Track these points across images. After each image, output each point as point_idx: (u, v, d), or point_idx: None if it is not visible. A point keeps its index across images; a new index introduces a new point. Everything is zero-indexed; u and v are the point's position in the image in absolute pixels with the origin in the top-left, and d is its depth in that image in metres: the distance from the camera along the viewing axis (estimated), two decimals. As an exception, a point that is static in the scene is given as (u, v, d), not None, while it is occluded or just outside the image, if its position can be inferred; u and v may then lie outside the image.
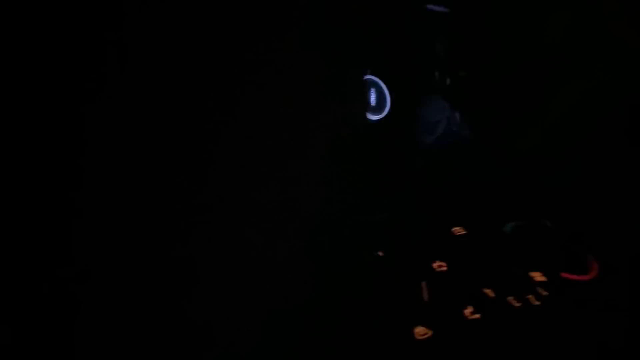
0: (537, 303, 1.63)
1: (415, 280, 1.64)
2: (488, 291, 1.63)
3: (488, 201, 1.64)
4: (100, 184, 1.23)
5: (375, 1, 1.53)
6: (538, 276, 1.63)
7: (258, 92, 1.37)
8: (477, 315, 1.63)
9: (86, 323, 1.24)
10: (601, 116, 1.54)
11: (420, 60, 1.59)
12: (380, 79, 1.58)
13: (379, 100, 1.59)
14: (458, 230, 1.65)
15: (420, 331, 1.62)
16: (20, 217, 1.21)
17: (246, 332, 1.33)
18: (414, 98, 1.61)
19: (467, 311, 1.63)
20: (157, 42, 1.25)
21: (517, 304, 1.63)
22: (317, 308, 1.47)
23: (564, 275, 1.63)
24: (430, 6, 1.55)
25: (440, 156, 1.62)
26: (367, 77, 1.59)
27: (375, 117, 1.59)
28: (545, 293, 1.63)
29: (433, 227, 1.64)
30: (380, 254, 1.63)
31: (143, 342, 1.26)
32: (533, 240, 1.64)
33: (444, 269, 1.64)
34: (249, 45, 1.36)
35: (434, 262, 1.64)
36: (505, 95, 1.58)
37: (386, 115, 1.59)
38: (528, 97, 1.56)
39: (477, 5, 1.54)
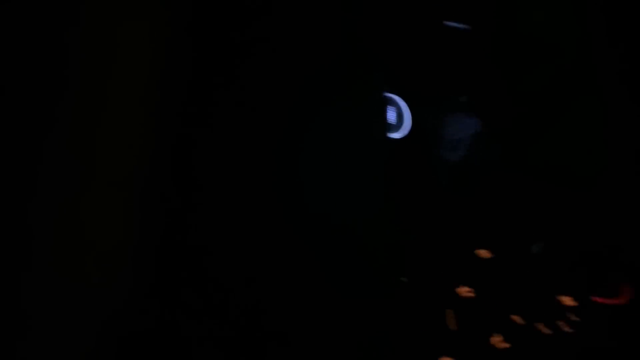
0: (568, 329, 1.55)
1: (441, 307, 1.56)
2: (517, 318, 1.56)
3: (514, 221, 1.59)
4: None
5: (393, 15, 1.52)
6: (568, 300, 1.56)
7: (267, 102, 1.33)
8: (506, 344, 1.55)
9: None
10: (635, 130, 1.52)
11: (441, 77, 1.57)
12: (400, 96, 1.55)
13: (398, 119, 1.56)
14: (483, 252, 1.58)
15: (447, 361, 1.53)
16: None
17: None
18: (436, 116, 1.58)
19: (496, 339, 1.55)
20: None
21: (547, 331, 1.55)
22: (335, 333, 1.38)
23: (595, 299, 1.56)
24: (449, 23, 1.54)
25: (464, 175, 1.58)
26: (387, 94, 1.56)
27: (395, 136, 1.56)
28: (576, 318, 1.55)
29: (457, 249, 1.58)
30: (404, 279, 1.55)
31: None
32: (561, 262, 1.58)
33: (471, 294, 1.56)
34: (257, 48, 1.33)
35: (460, 287, 1.57)
36: (533, 110, 1.56)
37: (407, 134, 1.56)
38: (557, 111, 1.55)
39: (499, 22, 1.54)
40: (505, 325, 1.56)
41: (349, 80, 1.39)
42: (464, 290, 1.56)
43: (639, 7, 1.48)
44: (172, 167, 1.16)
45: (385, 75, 1.54)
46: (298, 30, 1.29)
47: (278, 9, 1.29)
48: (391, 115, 1.57)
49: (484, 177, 1.58)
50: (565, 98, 1.54)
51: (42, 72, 1.09)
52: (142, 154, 1.11)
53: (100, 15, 1.11)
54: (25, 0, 1.09)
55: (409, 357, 1.54)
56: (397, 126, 1.57)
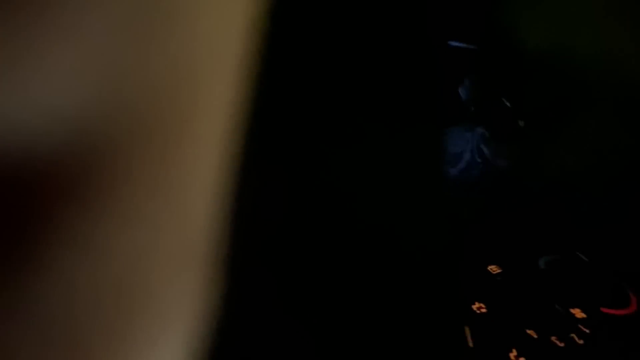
0: (581, 342, 1.54)
1: (456, 324, 1.53)
2: (531, 332, 1.54)
3: (520, 235, 1.58)
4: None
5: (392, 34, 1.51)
6: (578, 313, 1.56)
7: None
8: (522, 359, 1.53)
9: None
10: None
11: (440, 92, 1.56)
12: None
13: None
14: (493, 268, 1.56)
15: (468, 378, 1.50)
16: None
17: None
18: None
19: (512, 354, 1.53)
20: None
21: (561, 344, 1.54)
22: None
23: (605, 310, 1.56)
24: (453, 43, 1.55)
25: (465, 189, 1.57)
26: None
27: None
28: (587, 330, 1.55)
29: (466, 266, 1.56)
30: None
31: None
32: (569, 275, 1.58)
33: (484, 310, 1.54)
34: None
35: (473, 303, 1.54)
36: (539, 123, 1.57)
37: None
38: (563, 125, 1.56)
39: (503, 40, 1.56)
40: (520, 340, 1.54)
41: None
42: (477, 307, 1.54)
43: None
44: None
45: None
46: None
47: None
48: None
49: (487, 190, 1.58)
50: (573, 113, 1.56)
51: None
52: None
53: None
54: None
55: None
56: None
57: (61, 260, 0.24)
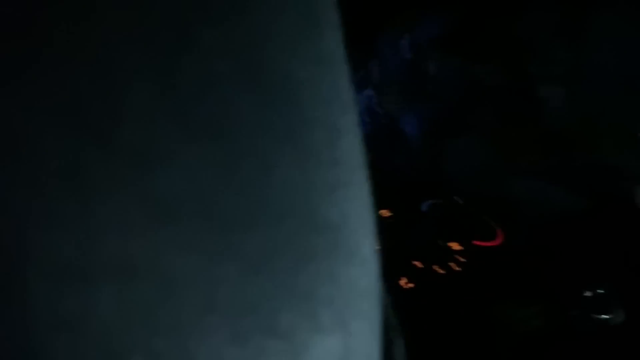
0: (458, 269, 1.88)
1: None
2: (417, 263, 1.88)
3: (406, 185, 1.92)
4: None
5: None
6: (455, 246, 1.90)
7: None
8: (411, 284, 1.86)
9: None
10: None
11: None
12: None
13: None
14: (384, 212, 1.90)
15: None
16: None
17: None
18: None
19: (403, 282, 1.86)
20: None
21: (442, 271, 1.88)
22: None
23: (476, 242, 1.91)
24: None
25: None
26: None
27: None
28: (462, 259, 1.89)
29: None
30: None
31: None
32: (448, 215, 1.92)
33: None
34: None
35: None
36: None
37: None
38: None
39: None
40: (408, 270, 1.87)
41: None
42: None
43: None
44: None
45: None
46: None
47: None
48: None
49: (376, 146, 1.91)
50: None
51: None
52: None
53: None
54: None
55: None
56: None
57: None
